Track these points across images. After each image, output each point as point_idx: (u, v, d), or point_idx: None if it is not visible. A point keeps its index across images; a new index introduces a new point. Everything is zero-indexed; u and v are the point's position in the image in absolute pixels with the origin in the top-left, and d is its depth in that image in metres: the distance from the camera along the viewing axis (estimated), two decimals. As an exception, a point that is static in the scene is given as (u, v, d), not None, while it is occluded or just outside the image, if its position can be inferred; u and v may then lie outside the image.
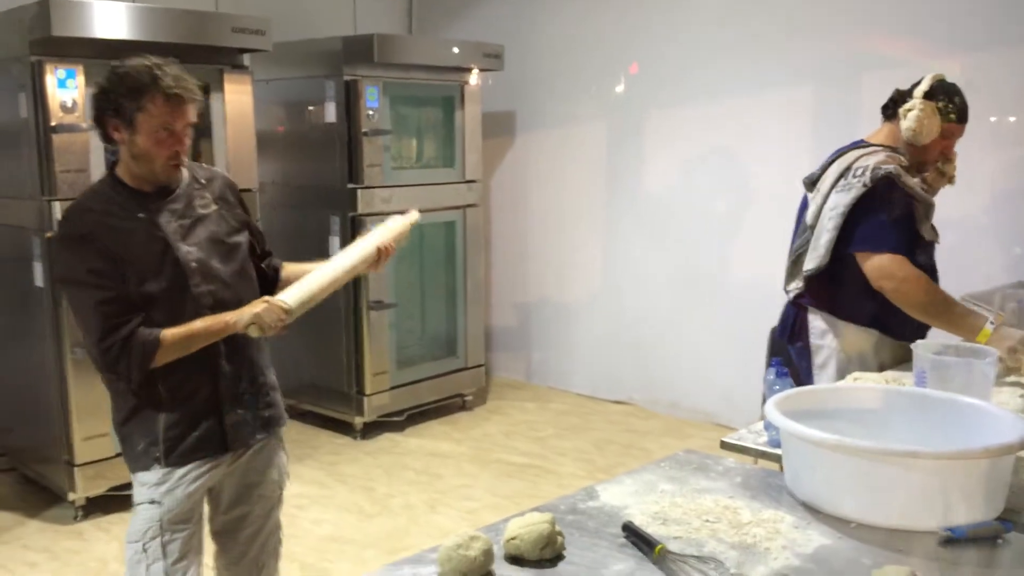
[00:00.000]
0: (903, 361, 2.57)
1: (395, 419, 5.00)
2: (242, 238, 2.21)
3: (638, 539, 1.53)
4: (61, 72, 3.55)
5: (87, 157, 3.63)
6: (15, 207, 3.85)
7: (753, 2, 4.65)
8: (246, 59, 4.26)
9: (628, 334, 5.42)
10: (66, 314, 3.57)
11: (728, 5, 4.74)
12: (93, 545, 3.63)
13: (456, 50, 4.99)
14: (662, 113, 5.13)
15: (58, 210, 3.53)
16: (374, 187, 4.72)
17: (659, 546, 1.47)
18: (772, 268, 2.94)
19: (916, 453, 1.59)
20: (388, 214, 4.75)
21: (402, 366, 5.05)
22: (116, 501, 3.73)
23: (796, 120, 4.59)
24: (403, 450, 4.75)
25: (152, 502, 2.09)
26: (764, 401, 1.94)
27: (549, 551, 1.48)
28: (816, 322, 2.70)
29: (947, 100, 2.59)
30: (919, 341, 2.26)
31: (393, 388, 4.94)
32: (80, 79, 3.59)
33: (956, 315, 2.46)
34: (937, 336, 2.55)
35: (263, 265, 2.32)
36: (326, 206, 4.76)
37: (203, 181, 2.17)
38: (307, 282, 2.13)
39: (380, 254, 2.28)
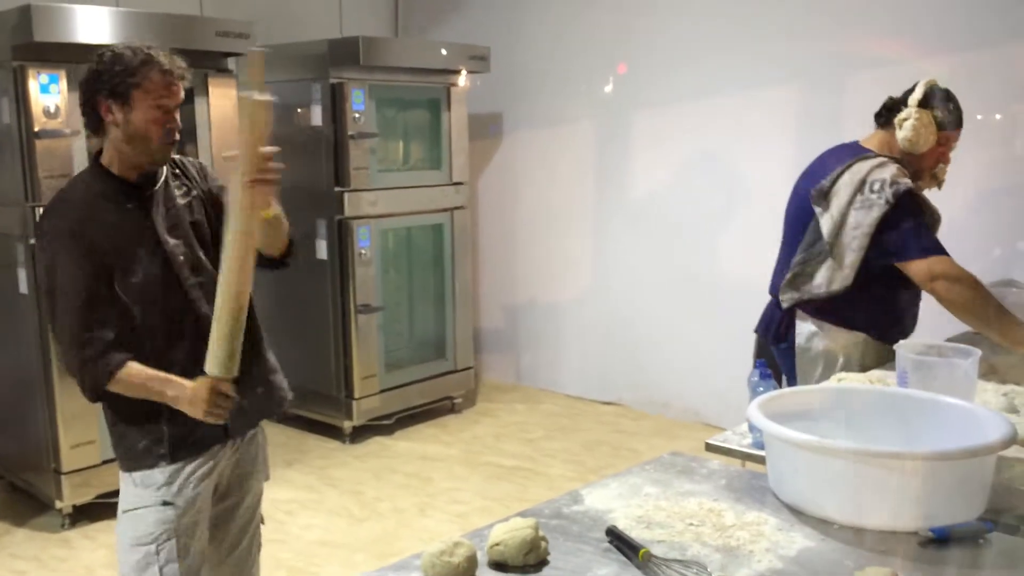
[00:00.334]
0: (887, 362, 2.57)
1: (384, 423, 4.99)
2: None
3: (622, 543, 1.53)
4: (44, 77, 3.54)
5: (71, 162, 3.61)
6: (-2, 213, 3.83)
7: (742, 2, 4.66)
8: (231, 63, 4.25)
9: (618, 335, 5.43)
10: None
11: (717, 5, 4.75)
12: (80, 553, 3.61)
13: (443, 52, 4.99)
14: (650, 113, 5.13)
15: (42, 216, 3.51)
16: (361, 190, 4.71)
17: (643, 550, 1.47)
18: (762, 268, 2.93)
19: (898, 454, 1.59)
20: (375, 217, 4.84)
21: (391, 369, 5.04)
22: (103, 509, 3.72)
23: (785, 119, 4.60)
24: (392, 453, 4.74)
25: (165, 503, 2.05)
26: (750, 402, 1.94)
27: (533, 557, 1.48)
28: (804, 325, 2.70)
29: (942, 107, 2.59)
30: (901, 341, 2.26)
31: (382, 391, 4.93)
32: (63, 84, 3.58)
33: (1005, 323, 2.44)
34: (921, 337, 2.56)
35: None
36: (312, 209, 4.75)
37: (177, 171, 2.15)
38: (216, 332, 1.92)
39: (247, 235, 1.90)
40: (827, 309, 2.65)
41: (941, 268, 2.47)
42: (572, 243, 5.61)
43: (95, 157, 2.08)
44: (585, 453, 4.71)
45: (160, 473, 2.05)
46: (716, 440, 2.15)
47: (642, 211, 5.24)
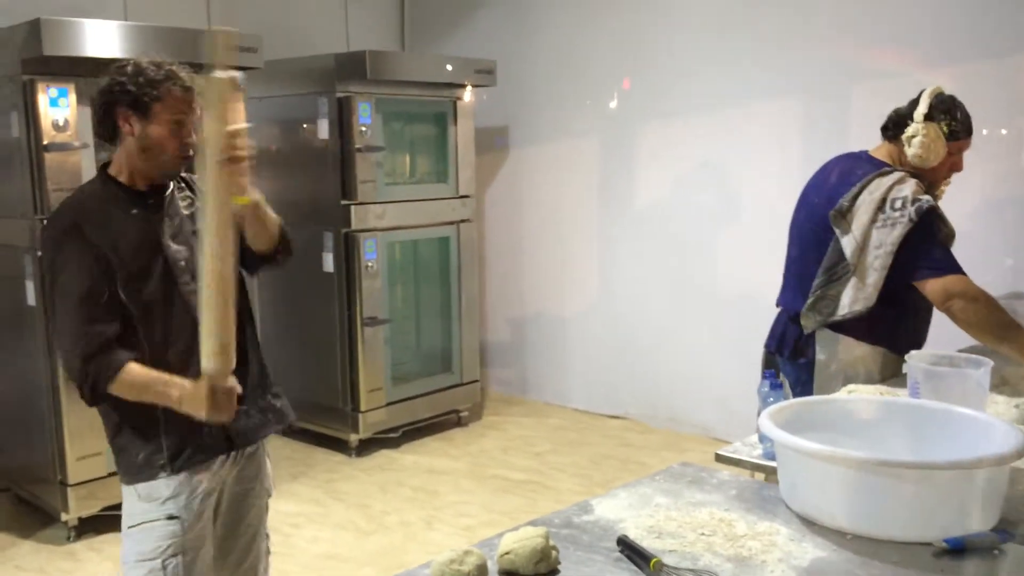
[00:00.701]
0: (901, 374, 2.56)
1: (391, 436, 4.98)
2: None
3: (633, 553, 1.52)
4: (53, 91, 3.56)
5: (79, 175, 3.61)
6: (7, 226, 3.84)
7: (745, 15, 4.68)
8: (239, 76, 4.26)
9: (624, 348, 5.42)
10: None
11: (720, 18, 4.77)
12: (86, 566, 3.60)
13: (449, 67, 5.01)
14: (655, 126, 5.14)
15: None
16: (367, 203, 4.72)
17: (654, 560, 1.46)
18: (768, 279, 2.92)
19: (911, 464, 1.58)
20: (382, 230, 4.84)
21: (397, 382, 5.03)
22: (109, 521, 3.71)
23: (788, 131, 4.61)
24: (399, 467, 4.73)
25: (170, 517, 2.03)
26: (759, 413, 1.93)
27: (543, 566, 1.47)
28: (824, 341, 2.66)
29: (949, 118, 2.56)
30: (913, 352, 2.25)
31: (388, 404, 4.92)
32: (72, 98, 3.59)
33: (1022, 339, 2.41)
34: (933, 347, 2.55)
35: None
36: (319, 222, 4.76)
37: (183, 184, 2.17)
38: (205, 326, 1.89)
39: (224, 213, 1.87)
40: (847, 325, 2.62)
41: (958, 288, 2.45)
42: (578, 256, 5.61)
43: (103, 167, 2.10)
44: (593, 467, 4.69)
45: (165, 486, 2.04)
46: (726, 451, 2.14)
47: (648, 224, 5.24)
